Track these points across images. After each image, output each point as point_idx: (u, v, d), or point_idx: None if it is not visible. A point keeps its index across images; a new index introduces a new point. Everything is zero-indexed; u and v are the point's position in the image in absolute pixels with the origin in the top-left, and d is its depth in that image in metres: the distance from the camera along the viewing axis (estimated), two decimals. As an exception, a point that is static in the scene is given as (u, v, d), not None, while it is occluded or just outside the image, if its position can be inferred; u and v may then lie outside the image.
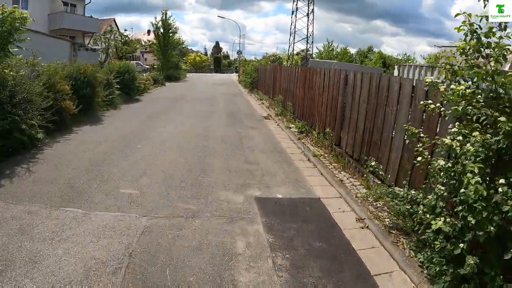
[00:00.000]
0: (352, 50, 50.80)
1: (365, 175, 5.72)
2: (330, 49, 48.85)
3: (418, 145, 3.78)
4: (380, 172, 4.85)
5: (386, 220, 4.57)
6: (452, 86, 3.24)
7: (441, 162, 3.26)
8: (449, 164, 3.25)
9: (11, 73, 6.63)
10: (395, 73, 16.62)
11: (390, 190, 4.44)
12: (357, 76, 6.36)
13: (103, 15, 38.02)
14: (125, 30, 38.50)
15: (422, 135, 3.81)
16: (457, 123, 3.30)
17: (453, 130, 3.23)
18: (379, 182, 5.37)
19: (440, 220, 3.14)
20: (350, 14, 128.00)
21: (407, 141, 4.75)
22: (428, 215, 3.50)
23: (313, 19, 40.82)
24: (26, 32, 7.95)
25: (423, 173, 4.04)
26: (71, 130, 8.77)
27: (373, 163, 4.76)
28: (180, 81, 31.85)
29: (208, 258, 3.55)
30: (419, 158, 3.70)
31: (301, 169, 6.62)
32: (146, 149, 7.41)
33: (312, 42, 41.27)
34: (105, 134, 8.70)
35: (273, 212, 4.68)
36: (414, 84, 4.80)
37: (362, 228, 4.50)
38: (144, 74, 23.69)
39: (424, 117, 4.54)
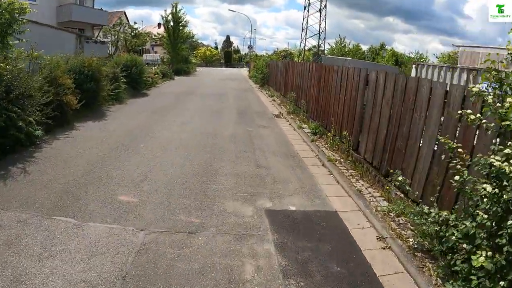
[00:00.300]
0: (364, 47, 49.77)
1: (387, 187, 5.18)
2: (342, 45, 47.85)
3: (454, 161, 3.27)
4: (408, 188, 4.31)
5: (410, 240, 4.07)
6: (509, 100, 2.71)
7: (488, 188, 2.74)
8: (496, 190, 2.73)
9: (8, 67, 6.22)
10: (413, 73, 15.85)
11: (419, 209, 3.91)
12: (379, 76, 5.80)
13: (114, 8, 37.79)
14: (135, 23, 38.18)
15: (460, 150, 3.29)
16: (510, 142, 2.77)
17: (506, 151, 2.70)
18: (401, 195, 4.84)
19: (481, 255, 2.66)
20: (362, 10, 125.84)
21: (438, 151, 4.23)
22: (465, 245, 3.02)
23: (325, 15, 39.81)
24: (26, 23, 7.57)
25: (455, 191, 3.51)
26: (73, 126, 8.39)
27: (400, 178, 4.22)
28: (189, 75, 31.41)
29: (211, 286, 3.08)
30: (457, 178, 3.18)
31: (316, 175, 6.11)
32: (150, 149, 6.97)
33: (324, 38, 40.38)
34: (108, 131, 8.30)
35: (285, 228, 4.19)
36: (447, 89, 4.23)
37: (384, 248, 4.00)
38: (153, 68, 23.28)
39: (458, 127, 4.00)
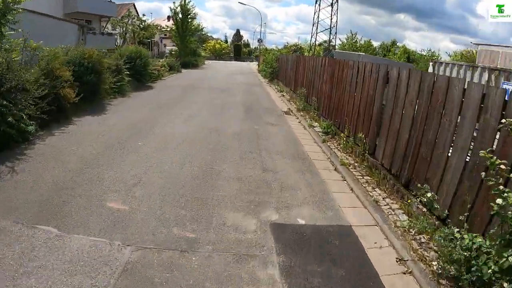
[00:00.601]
0: (375, 44, 48.54)
1: (409, 200, 4.59)
2: (353, 41, 46.71)
3: (494, 179, 2.72)
4: (436, 206, 3.73)
5: (433, 264, 3.52)
6: None
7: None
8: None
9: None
10: (430, 70, 15.01)
11: (447, 231, 3.36)
12: (402, 73, 5.18)
13: (124, 0, 37.09)
14: (143, 15, 37.70)
15: (503, 167, 2.71)
16: None
17: None
18: (424, 209, 4.26)
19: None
20: (374, 6, 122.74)
21: (470, 164, 3.65)
22: (505, 284, 2.52)
23: (337, 10, 38.58)
24: (22, 12, 7.17)
25: (489, 210, 2.95)
26: (70, 121, 7.96)
27: (428, 195, 3.64)
28: (197, 68, 30.89)
29: (202, 323, 2.59)
30: (499, 201, 2.62)
31: (328, 182, 5.55)
32: (148, 147, 6.49)
33: (336, 33, 39.13)
34: (106, 126, 7.85)
35: (293, 247, 3.66)
36: (485, 91, 3.62)
37: (404, 273, 3.47)
38: (161, 60, 22.81)
39: (497, 137, 3.41)
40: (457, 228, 3.38)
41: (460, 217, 3.45)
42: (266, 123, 9.53)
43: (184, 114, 9.78)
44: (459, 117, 3.95)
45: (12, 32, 7.02)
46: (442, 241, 3.38)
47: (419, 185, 4.16)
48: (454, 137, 4.02)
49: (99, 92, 9.88)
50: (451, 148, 4.06)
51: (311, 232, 3.98)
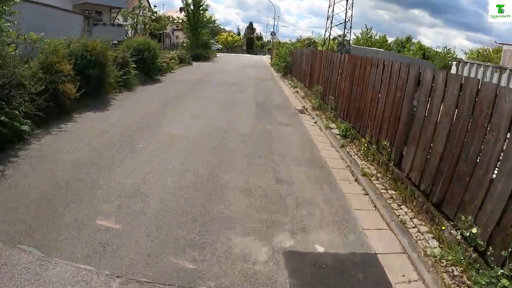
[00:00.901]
0: (389, 39, 47.06)
1: (442, 226, 3.96)
2: (368, 36, 45.36)
3: None
4: (480, 242, 3.11)
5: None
6: None
7: None
8: None
9: None
10: (453, 71, 14.06)
11: (493, 274, 2.77)
12: (437, 76, 4.51)
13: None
14: (155, 6, 37.16)
15: None
16: None
17: None
18: (458, 236, 3.64)
19: None
20: (388, 1, 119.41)
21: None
22: None
23: (352, 3, 37.25)
24: (19, 3, 6.71)
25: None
26: (70, 117, 7.49)
27: (474, 231, 3.04)
28: (209, 61, 30.18)
29: None
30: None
31: (348, 196, 4.94)
32: (148, 150, 5.96)
33: (351, 27, 37.87)
34: (107, 124, 7.35)
35: (310, 282, 3.09)
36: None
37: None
38: (171, 52, 22.24)
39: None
40: (498, 267, 2.84)
41: (503, 252, 2.95)
42: (280, 123, 8.92)
43: (191, 111, 9.23)
44: (509, 134, 3.30)
45: (8, 24, 6.54)
46: (473, 271, 2.84)
47: (462, 217, 3.52)
48: (500, 157, 3.38)
49: (103, 86, 9.37)
50: (496, 169, 3.42)
51: (331, 262, 3.40)
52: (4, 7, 6.23)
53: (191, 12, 30.67)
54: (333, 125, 8.65)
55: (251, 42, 65.22)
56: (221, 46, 52.98)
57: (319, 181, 5.38)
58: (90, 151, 5.67)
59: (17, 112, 5.64)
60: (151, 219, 3.83)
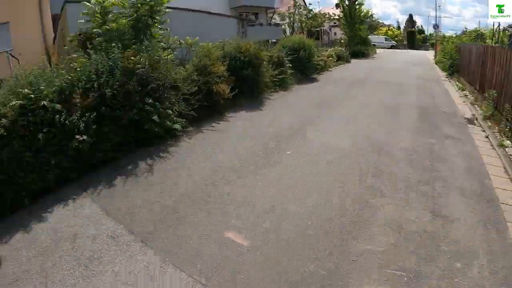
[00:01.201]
0: None
1: None
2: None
3: None
4: None
5: None
6: None
7: None
8: None
9: (142, 60, 5.80)
10: None
11: None
12: None
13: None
14: (310, 4, 37.17)
15: None
16: None
17: None
18: None
19: None
20: None
21: None
22: None
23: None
24: (168, 12, 7.38)
25: None
26: (223, 117, 7.79)
27: None
28: (368, 58, 27.80)
29: None
30: None
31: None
32: (291, 161, 5.47)
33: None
34: (256, 127, 7.26)
35: None
36: None
37: None
38: (328, 50, 21.56)
39: None
40: None
41: None
42: (445, 136, 7.04)
43: (343, 117, 8.23)
44: None
45: (161, 32, 7.25)
46: None
47: None
48: None
49: (257, 86, 9.52)
50: None
51: None
52: (156, 17, 6.87)
53: (346, 7, 29.28)
54: (508, 143, 6.35)
55: (412, 37, 58.33)
56: (395, 43, 49.29)
57: (485, 223, 3.81)
58: (232, 156, 5.60)
59: (170, 111, 6.03)
60: (281, 243, 3.25)
